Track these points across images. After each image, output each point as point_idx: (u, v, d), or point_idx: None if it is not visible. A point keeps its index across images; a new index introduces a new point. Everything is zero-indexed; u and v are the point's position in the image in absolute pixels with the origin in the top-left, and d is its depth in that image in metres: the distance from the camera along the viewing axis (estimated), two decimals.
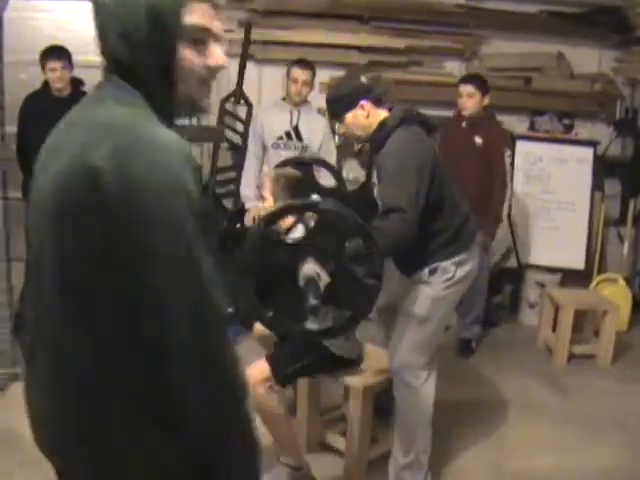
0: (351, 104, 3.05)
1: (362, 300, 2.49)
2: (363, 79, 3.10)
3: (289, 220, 2.95)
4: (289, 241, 2.65)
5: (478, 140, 4.92)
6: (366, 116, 3.05)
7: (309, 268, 2.42)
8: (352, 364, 3.40)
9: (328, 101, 3.18)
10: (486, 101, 4.90)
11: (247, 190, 5.04)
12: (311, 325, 2.52)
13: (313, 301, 2.37)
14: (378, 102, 3.08)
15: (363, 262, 2.45)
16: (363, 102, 3.04)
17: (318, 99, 5.23)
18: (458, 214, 3.16)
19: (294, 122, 4.98)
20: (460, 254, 3.11)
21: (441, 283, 3.09)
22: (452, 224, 3.11)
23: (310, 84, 4.97)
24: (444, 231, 3.09)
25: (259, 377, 3.11)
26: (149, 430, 1.35)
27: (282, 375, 3.14)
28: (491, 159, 4.87)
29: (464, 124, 4.99)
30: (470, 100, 4.86)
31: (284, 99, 5.08)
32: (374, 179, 3.10)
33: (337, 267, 2.44)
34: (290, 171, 3.35)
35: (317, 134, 5.01)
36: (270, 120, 5.00)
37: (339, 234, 2.43)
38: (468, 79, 4.97)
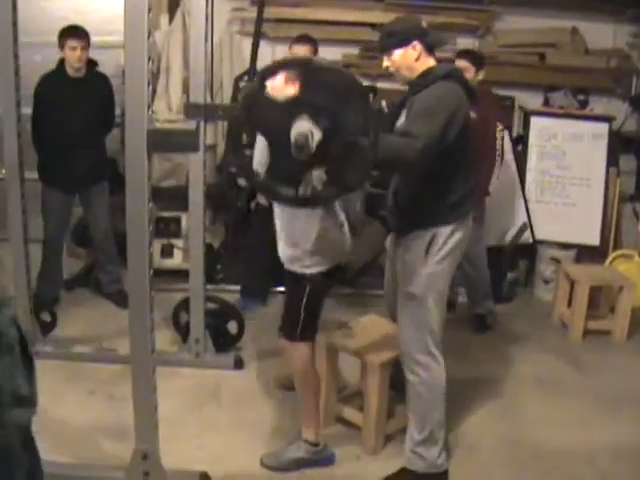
0: (404, 41, 3.04)
1: (355, 166, 2.43)
2: (423, 23, 3.12)
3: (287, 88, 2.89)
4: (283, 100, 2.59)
5: (473, 115, 4.90)
6: (416, 58, 3.05)
7: (303, 124, 2.36)
8: (349, 265, 3.42)
9: (382, 33, 3.18)
10: (480, 76, 4.88)
11: (260, 167, 5.06)
12: (303, 192, 2.48)
13: (302, 154, 2.33)
14: (430, 49, 3.09)
15: (360, 128, 2.40)
16: (416, 43, 3.04)
17: None
18: (468, 183, 3.17)
19: None
20: (457, 222, 3.12)
21: (434, 256, 3.10)
22: (462, 189, 3.13)
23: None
24: (453, 193, 3.10)
25: (291, 353, 3.24)
26: None
27: (298, 334, 3.21)
28: (482, 133, 4.85)
29: None
30: (465, 75, 4.84)
31: None
32: (401, 121, 3.08)
33: (331, 128, 2.38)
34: None
35: None
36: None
37: (336, 93, 2.39)
38: (463, 54, 4.97)
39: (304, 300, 3.17)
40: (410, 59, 3.06)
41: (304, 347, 3.24)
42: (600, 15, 6.17)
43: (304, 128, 2.33)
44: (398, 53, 3.07)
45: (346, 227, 3.25)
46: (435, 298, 3.15)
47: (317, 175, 2.47)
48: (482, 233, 5.14)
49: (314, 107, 2.35)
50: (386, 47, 3.12)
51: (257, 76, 2.42)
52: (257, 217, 5.08)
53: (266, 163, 2.52)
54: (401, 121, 3.09)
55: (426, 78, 3.04)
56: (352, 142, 2.39)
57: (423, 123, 2.83)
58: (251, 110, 2.37)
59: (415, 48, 3.05)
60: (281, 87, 2.63)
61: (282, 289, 5.44)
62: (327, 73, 2.37)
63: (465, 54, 4.96)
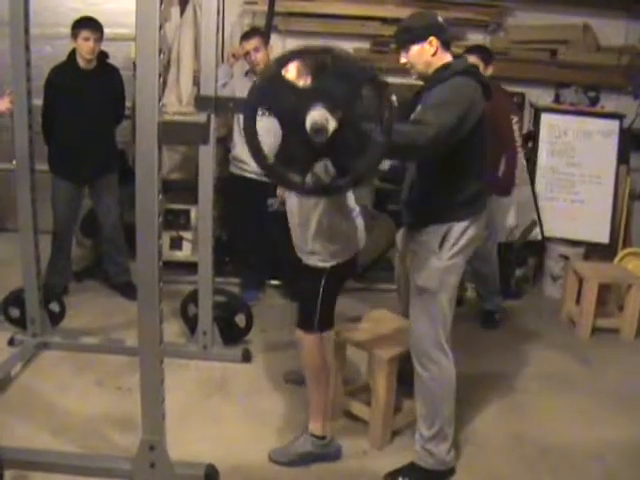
0: (421, 37, 3.05)
1: (367, 156, 2.43)
2: (440, 19, 3.13)
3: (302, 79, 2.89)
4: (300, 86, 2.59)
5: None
6: (433, 53, 3.06)
7: (318, 113, 2.36)
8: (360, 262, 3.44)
9: (398, 29, 3.19)
10: (489, 71, 4.89)
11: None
12: (311, 180, 2.48)
13: (317, 142, 2.33)
14: (447, 45, 3.10)
15: (374, 118, 2.40)
16: (432, 39, 3.05)
17: None
18: (481, 179, 3.17)
19: None
20: (470, 218, 3.12)
21: (448, 251, 3.09)
22: (476, 184, 3.12)
23: (260, 49, 4.98)
24: (467, 188, 3.09)
25: (307, 344, 3.26)
26: None
27: (315, 325, 3.22)
28: (498, 126, 4.87)
29: None
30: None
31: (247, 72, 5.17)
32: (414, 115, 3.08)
33: (346, 117, 2.38)
34: None
35: None
36: (241, 89, 5.02)
37: (353, 83, 2.39)
38: (472, 49, 4.99)
39: (320, 292, 3.19)
40: (427, 55, 3.07)
41: (318, 339, 3.26)
42: (612, 12, 6.15)
43: (320, 116, 2.33)
44: (415, 49, 3.08)
45: (360, 219, 3.26)
46: (448, 293, 3.14)
47: (329, 165, 2.47)
48: (493, 229, 5.14)
49: (330, 97, 2.36)
50: (403, 43, 3.12)
51: (275, 62, 2.42)
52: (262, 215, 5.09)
53: (275, 148, 2.52)
54: (415, 114, 3.09)
55: (442, 73, 3.04)
56: (365, 132, 2.39)
57: (437, 113, 2.83)
58: (269, 91, 2.38)
59: (432, 44, 3.05)
60: (294, 78, 2.63)
61: (277, 282, 5.58)
62: (343, 61, 2.37)
63: (474, 49, 4.98)
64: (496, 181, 4.90)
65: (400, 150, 2.71)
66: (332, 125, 2.35)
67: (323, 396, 3.34)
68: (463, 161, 3.04)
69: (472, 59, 4.80)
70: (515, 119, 5.04)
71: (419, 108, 3.08)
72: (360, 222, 3.31)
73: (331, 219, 3.15)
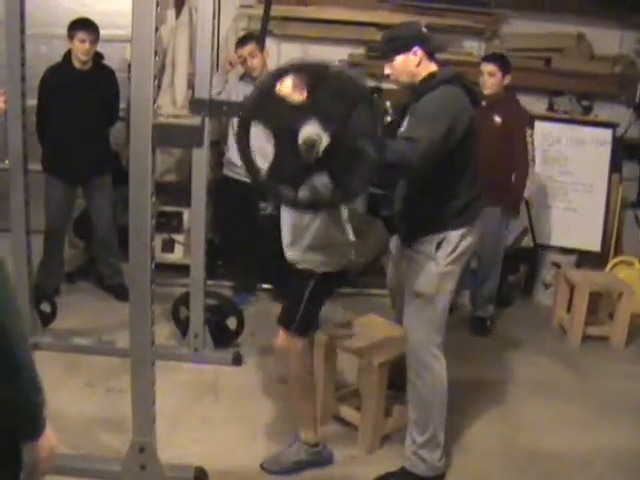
0: (405, 47, 3.06)
1: (359, 172, 2.45)
2: (424, 29, 3.13)
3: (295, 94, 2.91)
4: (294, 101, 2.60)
5: (497, 119, 4.91)
6: (417, 63, 3.07)
7: (311, 129, 2.38)
8: (351, 271, 3.41)
9: (383, 39, 3.20)
10: (507, 80, 4.89)
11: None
12: (303, 194, 2.49)
13: (309, 158, 2.36)
14: (431, 54, 3.11)
15: (366, 135, 2.42)
16: (417, 49, 3.05)
17: None
18: (475, 187, 3.17)
19: None
20: (466, 226, 3.13)
21: (445, 258, 3.10)
22: (468, 193, 3.13)
23: (256, 55, 5.05)
24: (460, 197, 3.10)
25: (286, 345, 3.20)
26: None
27: (295, 325, 3.17)
28: (512, 138, 4.88)
29: (484, 103, 4.98)
30: (491, 79, 4.85)
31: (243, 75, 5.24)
32: (403, 128, 3.10)
33: (339, 133, 2.40)
34: None
35: None
36: (237, 94, 5.06)
37: (347, 100, 2.41)
38: (490, 58, 4.97)
39: (306, 294, 3.16)
40: (411, 65, 3.08)
41: (299, 343, 3.21)
42: (607, 21, 6.17)
43: (312, 132, 2.35)
44: (399, 59, 3.09)
45: (349, 230, 3.26)
46: (443, 299, 3.15)
47: (321, 180, 2.49)
48: (506, 238, 5.18)
49: (323, 113, 2.37)
50: (387, 53, 3.14)
51: (269, 76, 2.43)
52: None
53: (268, 162, 2.52)
54: (404, 127, 3.11)
55: (428, 83, 3.05)
56: (358, 149, 2.41)
57: (424, 127, 2.85)
58: (263, 105, 2.39)
59: (416, 54, 3.06)
60: (289, 92, 2.65)
61: (268, 286, 5.57)
62: (338, 79, 2.39)
63: (492, 58, 4.97)
64: (504, 196, 4.91)
65: (391, 168, 2.72)
66: (325, 141, 2.37)
67: (310, 405, 3.32)
68: (454, 170, 3.04)
69: (490, 67, 4.83)
70: (530, 132, 5.01)
71: (407, 122, 3.10)
72: (349, 233, 3.28)
73: (326, 231, 3.14)
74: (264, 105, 2.40)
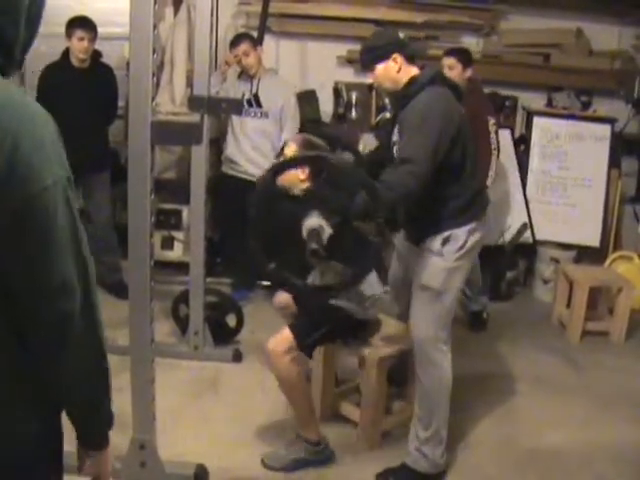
0: (383, 56, 3.08)
1: (365, 257, 2.50)
2: (400, 34, 3.16)
3: (300, 179, 2.96)
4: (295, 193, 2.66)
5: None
6: (397, 70, 3.08)
7: (313, 221, 2.43)
8: (371, 327, 3.45)
9: (362, 50, 3.22)
10: (468, 73, 4.88)
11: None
12: (312, 280, 2.55)
13: (314, 245, 2.39)
14: (410, 59, 3.13)
15: (369, 220, 2.46)
16: (396, 56, 3.07)
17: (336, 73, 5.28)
18: (475, 182, 3.19)
19: (254, 90, 5.12)
20: (473, 222, 3.13)
21: (453, 253, 3.10)
22: (469, 190, 3.14)
23: (250, 53, 5.10)
24: (460, 196, 3.10)
25: (283, 347, 3.15)
26: (20, 400, 1.41)
27: (306, 343, 3.18)
28: (475, 128, 4.86)
29: None
30: (451, 72, 4.84)
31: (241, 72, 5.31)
32: (395, 137, 3.13)
33: (342, 222, 2.45)
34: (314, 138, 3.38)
35: (275, 101, 5.09)
36: (235, 92, 5.14)
37: (346, 189, 2.45)
38: (450, 52, 4.99)
39: (333, 322, 3.22)
40: (392, 72, 3.10)
41: (297, 361, 3.20)
42: (605, 17, 6.17)
43: (315, 223, 2.40)
44: (380, 67, 3.11)
45: (374, 310, 3.40)
46: (451, 294, 3.15)
47: (333, 267, 2.56)
48: None
49: (325, 204, 2.44)
50: (367, 63, 3.17)
51: (269, 171, 2.48)
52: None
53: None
54: (395, 138, 3.14)
55: (411, 88, 3.07)
56: (360, 235, 2.49)
57: (416, 144, 2.89)
58: (267, 204, 2.46)
59: (396, 61, 3.09)
60: (289, 184, 2.71)
61: (267, 283, 5.46)
62: (338, 170, 2.43)
63: (452, 52, 4.99)
64: None
65: (400, 201, 2.85)
66: (327, 232, 2.43)
67: (306, 405, 3.31)
68: (452, 169, 3.05)
69: (450, 61, 4.84)
70: (492, 121, 4.99)
71: (396, 131, 3.12)
72: (374, 312, 3.41)
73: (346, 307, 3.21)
74: (266, 202, 2.46)
